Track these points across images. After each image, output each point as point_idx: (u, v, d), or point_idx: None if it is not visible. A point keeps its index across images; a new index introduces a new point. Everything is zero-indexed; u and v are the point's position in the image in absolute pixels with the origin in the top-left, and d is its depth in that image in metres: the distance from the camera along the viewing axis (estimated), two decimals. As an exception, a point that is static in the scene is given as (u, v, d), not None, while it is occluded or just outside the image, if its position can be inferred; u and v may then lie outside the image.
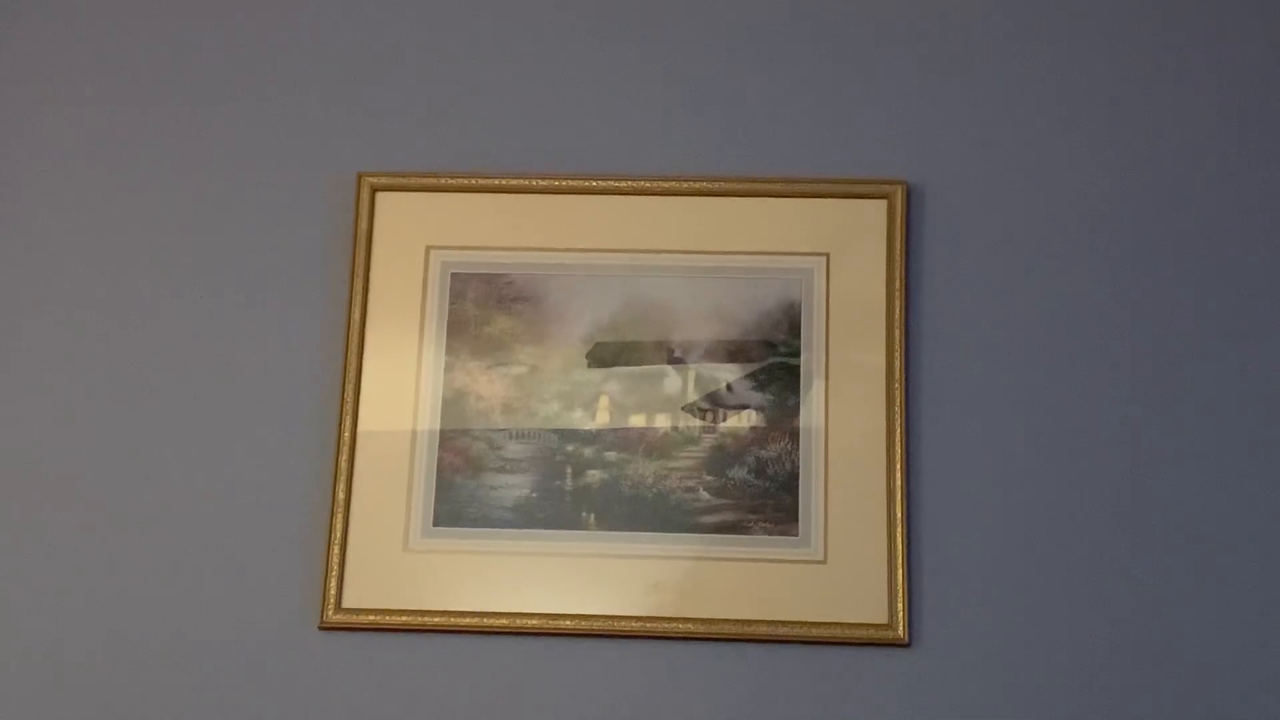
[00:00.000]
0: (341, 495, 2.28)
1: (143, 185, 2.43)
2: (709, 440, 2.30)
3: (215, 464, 2.32)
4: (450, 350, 2.35)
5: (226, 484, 2.32)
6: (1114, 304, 2.32)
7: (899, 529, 2.24)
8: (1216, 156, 2.36)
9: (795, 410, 2.30)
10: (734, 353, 2.33)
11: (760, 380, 2.32)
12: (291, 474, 2.31)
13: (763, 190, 2.36)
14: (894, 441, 2.27)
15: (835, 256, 2.34)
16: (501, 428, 2.32)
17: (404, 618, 2.25)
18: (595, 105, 2.43)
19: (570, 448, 2.31)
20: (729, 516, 2.27)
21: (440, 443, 2.32)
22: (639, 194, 2.37)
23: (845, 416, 2.29)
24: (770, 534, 2.26)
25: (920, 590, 2.24)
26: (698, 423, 2.31)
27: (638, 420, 2.32)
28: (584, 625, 2.24)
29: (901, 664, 2.22)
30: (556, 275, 2.36)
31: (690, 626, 2.24)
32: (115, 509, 2.32)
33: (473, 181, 2.39)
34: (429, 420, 2.32)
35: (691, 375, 2.33)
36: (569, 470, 2.31)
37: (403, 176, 2.39)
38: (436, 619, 2.24)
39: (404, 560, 2.28)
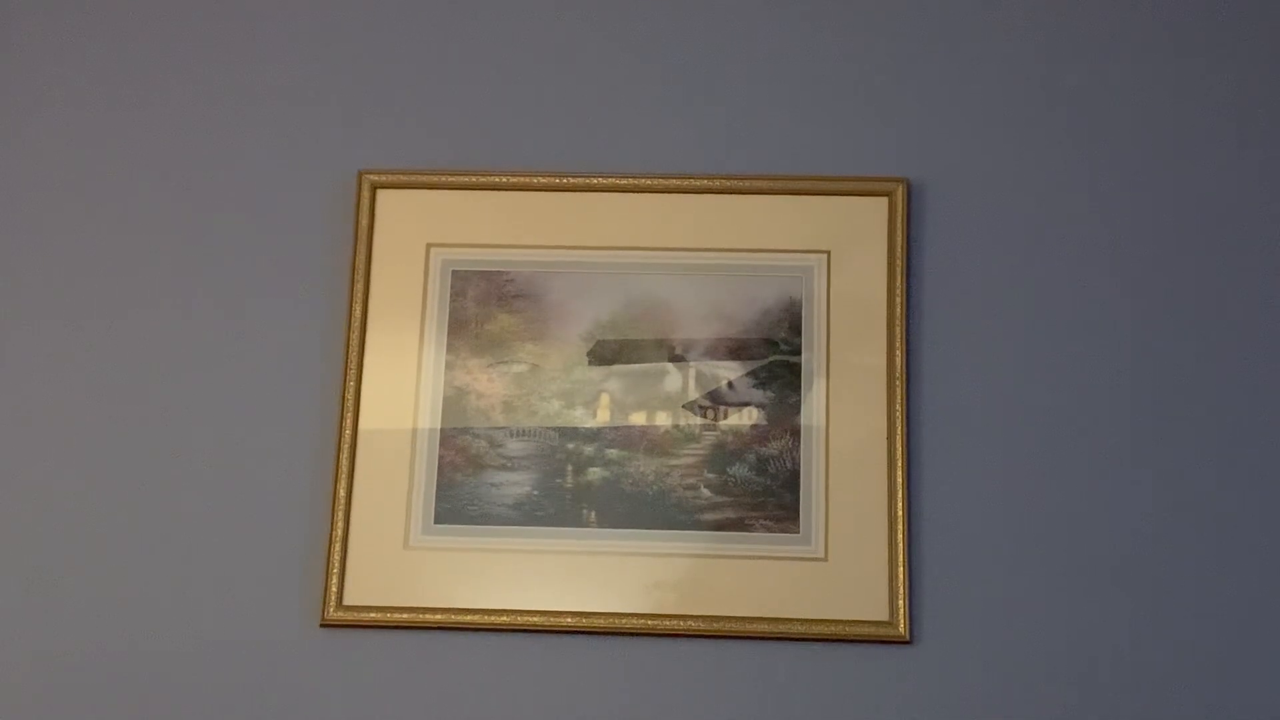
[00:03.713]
0: (342, 493, 2.28)
1: (143, 184, 2.43)
2: (710, 438, 2.30)
3: (216, 462, 2.32)
4: (451, 348, 2.35)
5: (228, 482, 2.32)
6: (1115, 302, 2.32)
7: (900, 526, 2.24)
8: (1217, 153, 2.36)
9: (796, 408, 2.30)
10: (735, 350, 2.33)
11: (761, 378, 2.32)
12: (293, 472, 2.31)
13: (764, 188, 2.36)
14: (895, 439, 2.27)
15: (836, 254, 2.35)
16: (502, 425, 2.32)
17: (405, 615, 2.25)
18: (596, 103, 2.43)
19: (571, 445, 2.31)
20: (730, 514, 2.27)
21: (441, 441, 2.32)
22: (640, 192, 2.37)
23: (846, 414, 2.29)
24: (771, 531, 2.26)
25: (921, 588, 2.24)
26: (699, 420, 2.31)
27: (638, 418, 2.32)
28: (585, 623, 2.24)
29: (902, 661, 2.22)
30: (557, 273, 2.36)
31: (691, 624, 2.24)
32: (116, 509, 2.31)
33: (473, 179, 2.39)
34: (430, 418, 2.32)
35: (692, 373, 2.33)
36: (570, 468, 2.31)
37: (403, 174, 2.39)
38: (437, 616, 2.24)
39: (405, 557, 2.28)
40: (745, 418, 2.31)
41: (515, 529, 2.29)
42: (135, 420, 2.35)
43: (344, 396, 2.32)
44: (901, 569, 2.23)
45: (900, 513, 2.24)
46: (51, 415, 2.35)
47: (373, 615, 2.25)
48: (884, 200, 2.35)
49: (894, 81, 2.41)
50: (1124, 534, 2.25)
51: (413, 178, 2.40)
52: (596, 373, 2.34)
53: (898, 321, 2.31)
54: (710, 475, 2.29)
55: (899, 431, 2.27)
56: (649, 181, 2.38)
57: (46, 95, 2.47)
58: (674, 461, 2.30)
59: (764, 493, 2.28)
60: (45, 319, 2.39)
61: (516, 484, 2.30)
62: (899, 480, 2.25)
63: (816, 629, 2.22)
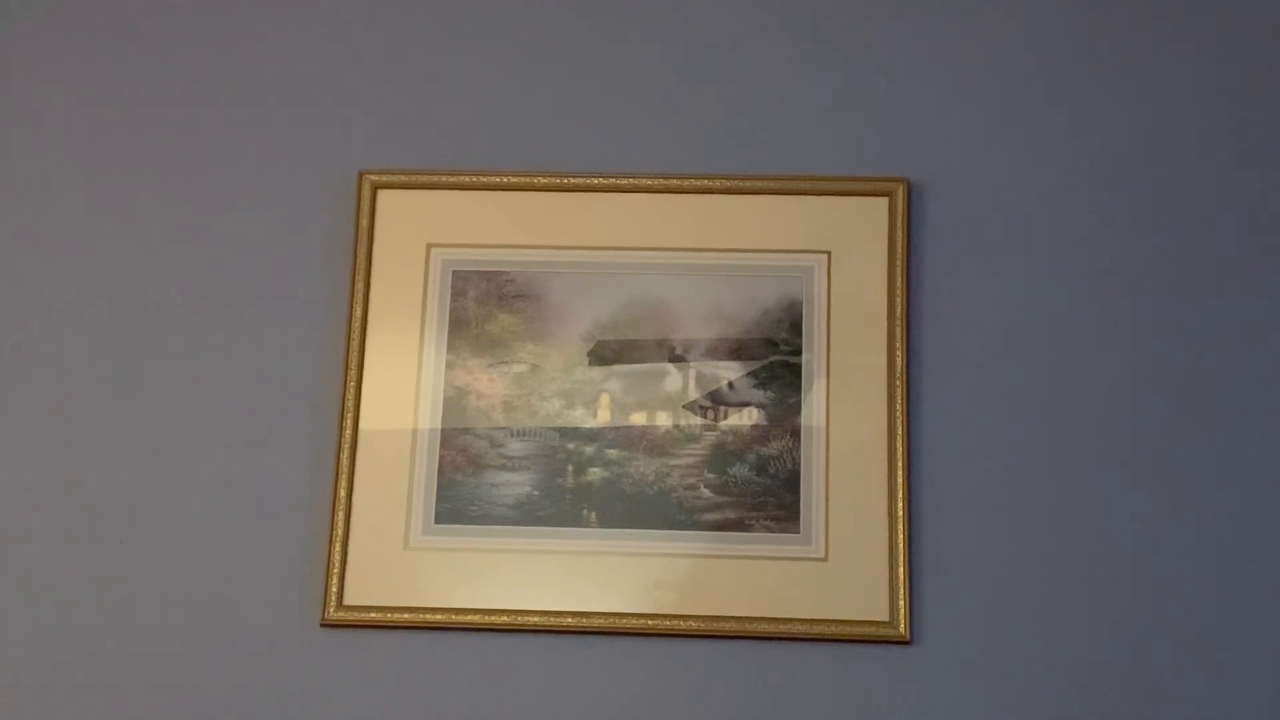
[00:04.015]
0: (343, 493, 2.28)
1: (144, 184, 2.43)
2: (710, 438, 2.30)
3: (217, 462, 2.32)
4: (451, 348, 2.35)
5: (228, 482, 2.32)
6: (1116, 302, 2.32)
7: (900, 526, 2.24)
8: (1218, 153, 2.36)
9: (796, 408, 2.30)
10: (735, 351, 2.33)
11: (761, 378, 2.32)
12: (293, 472, 2.31)
13: (764, 188, 2.36)
14: (895, 439, 2.27)
15: (837, 255, 2.35)
16: (502, 426, 2.32)
17: (405, 615, 2.25)
18: (596, 103, 2.43)
19: (571, 446, 2.31)
20: (730, 514, 2.27)
21: (441, 441, 2.32)
22: (640, 192, 2.37)
23: (846, 414, 2.29)
24: (771, 531, 2.26)
25: (921, 588, 2.24)
26: (699, 420, 2.31)
27: (639, 418, 2.32)
28: (585, 623, 2.24)
29: (903, 661, 2.22)
30: (558, 273, 2.36)
31: (691, 624, 2.24)
32: (116, 509, 2.32)
33: (474, 179, 2.39)
34: (430, 418, 2.32)
35: (693, 373, 2.33)
36: (570, 468, 2.31)
37: (404, 174, 2.40)
38: (437, 616, 2.24)
39: (405, 558, 2.28)
40: (745, 418, 2.31)
41: (515, 529, 2.29)
42: (136, 420, 2.35)
43: (344, 396, 2.32)
44: (902, 569, 2.23)
45: (900, 513, 2.24)
46: (51, 415, 2.35)
47: (373, 615, 2.25)
48: (884, 200, 2.35)
49: (894, 81, 2.41)
50: (1124, 534, 2.25)
51: (413, 178, 2.40)
52: (597, 373, 2.34)
53: (898, 322, 2.31)
54: (710, 475, 2.29)
55: (899, 432, 2.27)
56: (649, 181, 2.38)
57: (46, 95, 2.47)
58: (674, 461, 2.30)
59: (764, 493, 2.28)
60: (45, 319, 2.39)
61: (517, 484, 2.30)
62: (899, 480, 2.25)
63: (817, 629, 2.22)
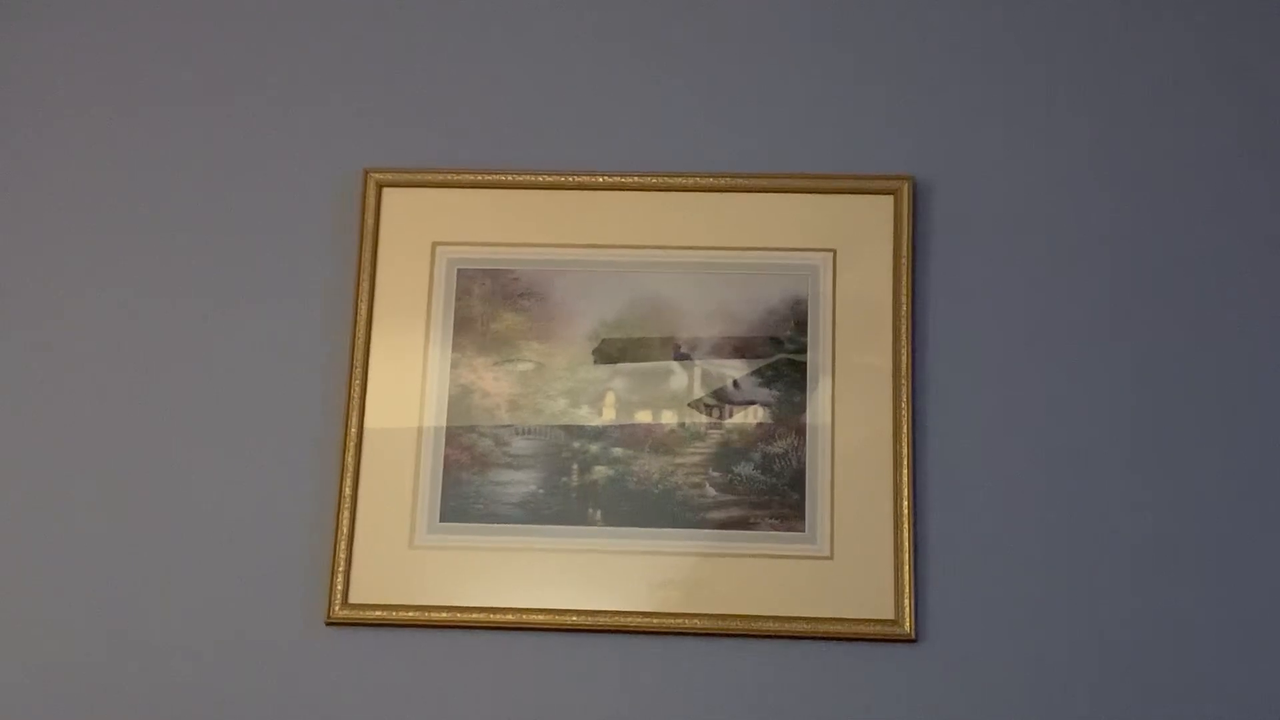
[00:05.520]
0: (348, 491, 2.28)
1: (149, 183, 2.43)
2: (715, 436, 2.30)
3: (222, 460, 2.33)
4: (456, 347, 2.35)
5: (234, 480, 2.32)
6: (1121, 300, 2.32)
7: (905, 525, 2.24)
8: (1222, 152, 2.36)
9: (802, 407, 2.30)
10: (740, 349, 2.33)
11: (767, 377, 2.32)
12: (298, 470, 2.31)
13: (769, 186, 2.36)
14: (900, 438, 2.26)
15: (842, 253, 2.34)
16: (507, 424, 2.32)
17: (410, 613, 2.25)
18: (601, 102, 2.43)
19: (576, 444, 2.31)
20: (735, 513, 2.27)
21: (446, 439, 2.32)
22: (645, 190, 2.37)
23: (852, 413, 2.29)
24: (777, 530, 2.26)
25: (926, 586, 2.24)
26: (704, 419, 2.31)
27: (644, 416, 2.32)
28: (590, 621, 2.24)
29: (908, 660, 2.22)
30: (563, 272, 2.36)
31: (696, 622, 2.24)
32: (122, 506, 2.32)
33: (479, 178, 2.39)
34: (435, 417, 2.32)
35: (698, 372, 2.33)
36: (575, 466, 2.30)
37: (409, 173, 2.40)
38: (443, 614, 2.24)
39: (410, 556, 2.28)
40: (751, 416, 2.31)
41: (520, 527, 2.29)
42: (141, 418, 2.35)
43: (349, 395, 2.32)
44: (907, 568, 2.22)
45: (906, 511, 2.24)
46: (56, 413, 2.36)
47: (378, 614, 2.25)
48: (889, 198, 2.35)
49: (899, 79, 2.41)
50: (1128, 533, 2.25)
51: (418, 176, 2.40)
52: (602, 371, 2.34)
53: (903, 320, 2.30)
54: (715, 474, 2.29)
55: (904, 430, 2.27)
56: (654, 180, 2.37)
57: (51, 94, 2.48)
58: (679, 460, 2.30)
59: (769, 491, 2.28)
60: (50, 317, 2.39)
61: (522, 482, 2.30)
62: (904, 479, 2.25)
63: (822, 628, 2.22)
